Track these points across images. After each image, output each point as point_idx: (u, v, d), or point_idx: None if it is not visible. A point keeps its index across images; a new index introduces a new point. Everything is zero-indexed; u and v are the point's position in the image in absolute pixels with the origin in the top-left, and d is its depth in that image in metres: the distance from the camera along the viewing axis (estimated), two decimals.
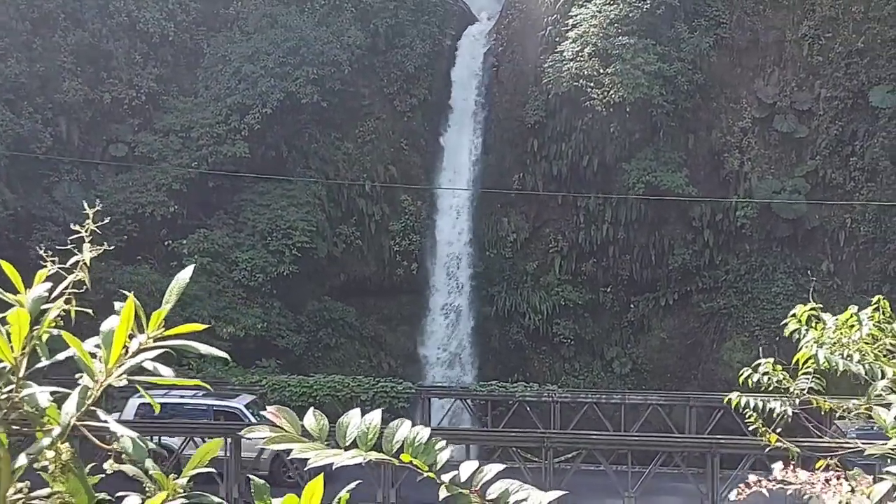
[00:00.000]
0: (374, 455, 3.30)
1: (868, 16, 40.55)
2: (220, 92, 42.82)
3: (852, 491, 2.80)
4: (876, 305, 5.97)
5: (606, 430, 28.55)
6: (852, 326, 5.88)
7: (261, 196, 42.75)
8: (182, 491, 4.39)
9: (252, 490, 3.42)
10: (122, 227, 40.76)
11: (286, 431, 3.21)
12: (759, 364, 7.14)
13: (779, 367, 7.05)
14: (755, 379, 7.24)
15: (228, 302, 40.49)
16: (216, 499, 4.37)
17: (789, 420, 6.72)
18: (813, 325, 6.27)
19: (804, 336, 6.17)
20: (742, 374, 7.31)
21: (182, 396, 28.18)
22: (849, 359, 5.54)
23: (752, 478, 2.87)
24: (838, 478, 2.88)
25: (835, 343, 5.86)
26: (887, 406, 5.13)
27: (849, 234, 39.84)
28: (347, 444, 3.23)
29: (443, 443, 3.43)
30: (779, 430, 6.46)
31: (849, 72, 40.46)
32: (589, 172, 42.70)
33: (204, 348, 3.67)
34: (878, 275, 38.79)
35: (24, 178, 40.42)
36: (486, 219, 44.68)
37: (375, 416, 3.43)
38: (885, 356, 5.38)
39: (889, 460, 4.55)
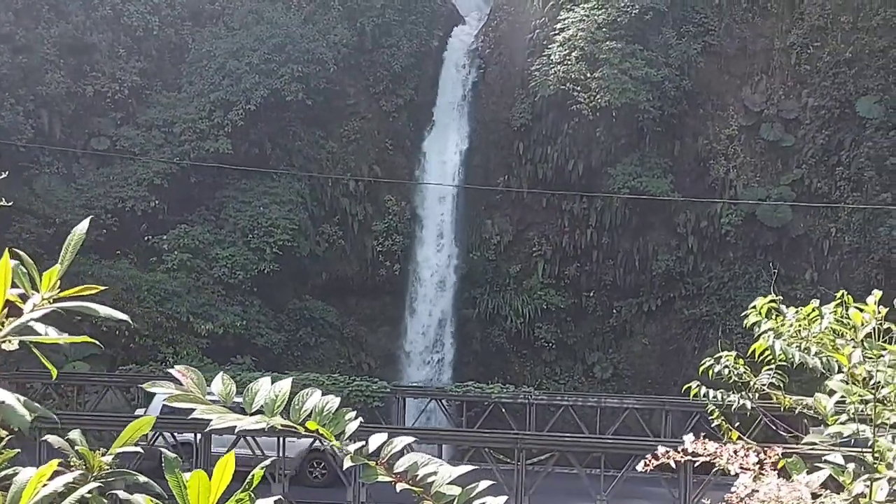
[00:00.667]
0: (278, 421, 3.12)
1: (857, 26, 40.47)
2: (204, 87, 42.51)
3: (760, 464, 2.55)
4: (839, 301, 5.72)
5: (582, 434, 28.32)
6: (813, 320, 5.61)
7: (243, 193, 42.44)
8: (108, 468, 4.15)
9: (164, 464, 3.20)
10: (102, 222, 40.37)
11: (190, 392, 3.04)
12: (720, 356, 6.92)
13: (741, 360, 6.82)
14: (716, 370, 7.02)
15: (207, 299, 40.14)
16: (142, 477, 4.12)
17: (762, 424, 6.51)
18: (773, 317, 6.03)
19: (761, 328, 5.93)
20: (703, 366, 7.09)
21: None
22: (806, 351, 5.27)
23: (661, 449, 2.63)
24: (747, 450, 2.64)
25: (793, 336, 5.60)
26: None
27: (833, 243, 39.70)
28: (254, 410, 3.07)
29: (352, 413, 3.24)
30: (754, 435, 6.22)
31: (836, 81, 40.35)
32: (574, 176, 42.49)
33: (103, 310, 3.45)
34: (862, 284, 38.58)
35: (4, 169, 39.67)
36: (470, 221, 44.45)
37: (285, 383, 3.26)
38: (838, 348, 5.11)
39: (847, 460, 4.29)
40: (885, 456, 3.82)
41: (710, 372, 7.09)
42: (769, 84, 41.87)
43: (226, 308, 40.21)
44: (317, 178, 43.69)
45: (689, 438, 2.63)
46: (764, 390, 5.99)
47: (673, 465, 3.12)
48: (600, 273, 43.04)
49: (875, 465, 3.81)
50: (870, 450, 4.05)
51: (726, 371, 6.92)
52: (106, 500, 3.57)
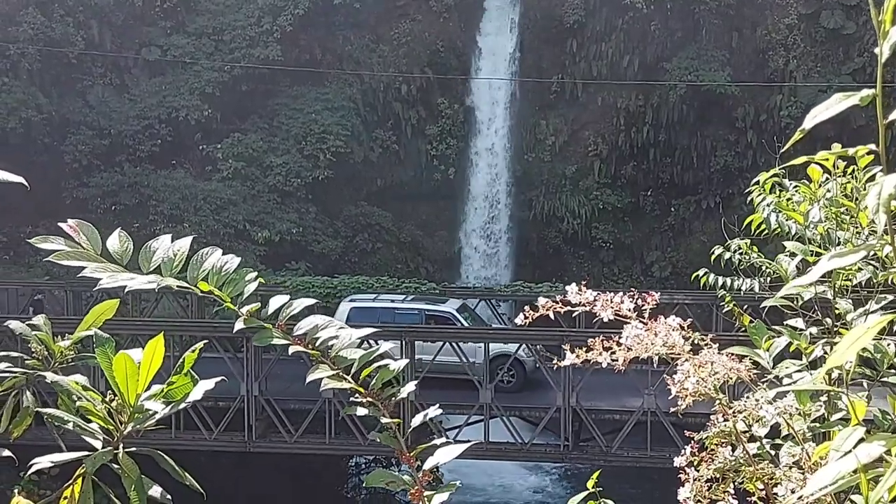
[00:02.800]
0: (172, 282, 2.88)
1: None
2: None
3: (638, 311, 2.30)
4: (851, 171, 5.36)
5: None
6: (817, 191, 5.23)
7: (295, 100, 42.28)
8: (70, 353, 4.00)
9: (95, 343, 3.04)
10: (156, 132, 40.66)
11: (83, 248, 2.81)
12: (730, 244, 6.61)
13: (755, 248, 6.50)
14: (726, 257, 6.71)
15: (263, 207, 40.34)
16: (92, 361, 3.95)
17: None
18: (776, 192, 5.72)
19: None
20: (713, 253, 6.79)
21: (392, 301, 27.82)
22: (805, 226, 4.91)
23: (541, 300, 2.38)
24: (627, 297, 2.39)
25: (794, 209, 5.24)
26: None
27: None
28: (151, 269, 2.83)
29: (253, 274, 3.02)
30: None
31: None
32: (630, 73, 41.65)
33: None
34: None
35: (57, 82, 40.25)
36: (524, 122, 43.86)
37: (185, 241, 3.01)
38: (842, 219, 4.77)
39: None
40: (845, 317, 3.55)
41: (722, 261, 6.81)
42: None
43: (281, 215, 40.39)
44: (368, 83, 43.31)
45: (571, 288, 2.39)
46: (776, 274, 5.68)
47: None
48: (657, 171, 42.36)
49: (836, 329, 3.55)
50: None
51: (737, 258, 6.63)
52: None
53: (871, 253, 4.17)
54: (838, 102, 1.87)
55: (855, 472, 1.53)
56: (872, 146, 1.92)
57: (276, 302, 2.93)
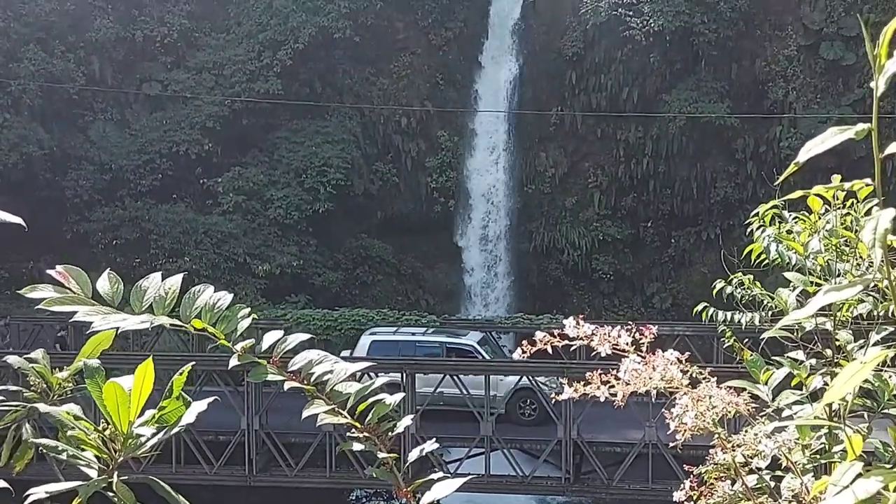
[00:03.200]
0: (164, 320, 2.88)
1: None
2: (252, 28, 42.40)
3: (635, 345, 2.30)
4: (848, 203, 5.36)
5: None
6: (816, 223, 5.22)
7: (295, 133, 42.43)
8: (69, 385, 3.99)
9: (84, 372, 3.03)
10: (157, 166, 40.74)
11: (73, 293, 2.81)
12: (731, 278, 6.59)
13: (757, 283, 6.48)
14: (728, 292, 6.70)
15: (264, 240, 40.38)
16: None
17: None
18: (776, 224, 5.71)
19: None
20: (715, 287, 6.77)
21: (413, 334, 27.72)
22: (805, 256, 4.91)
23: (538, 334, 2.38)
24: (624, 331, 2.38)
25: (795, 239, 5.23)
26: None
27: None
28: (143, 308, 2.84)
29: (246, 310, 3.02)
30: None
31: None
32: (629, 105, 41.77)
33: None
34: None
35: (59, 117, 40.39)
36: (524, 154, 43.99)
37: (175, 279, 3.01)
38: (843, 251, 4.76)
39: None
40: (846, 349, 3.54)
41: (724, 294, 6.78)
42: (828, 1, 40.50)
43: (282, 248, 40.42)
44: (368, 116, 43.48)
45: (569, 322, 2.38)
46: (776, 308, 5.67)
47: None
48: (657, 203, 42.42)
49: (836, 360, 3.54)
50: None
51: (738, 292, 6.62)
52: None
53: (872, 285, 4.17)
54: (833, 136, 1.88)
55: None
56: (869, 180, 1.93)
57: (270, 338, 2.93)
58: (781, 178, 2.09)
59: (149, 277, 2.92)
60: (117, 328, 2.97)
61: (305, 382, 2.88)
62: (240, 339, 2.90)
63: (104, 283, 2.89)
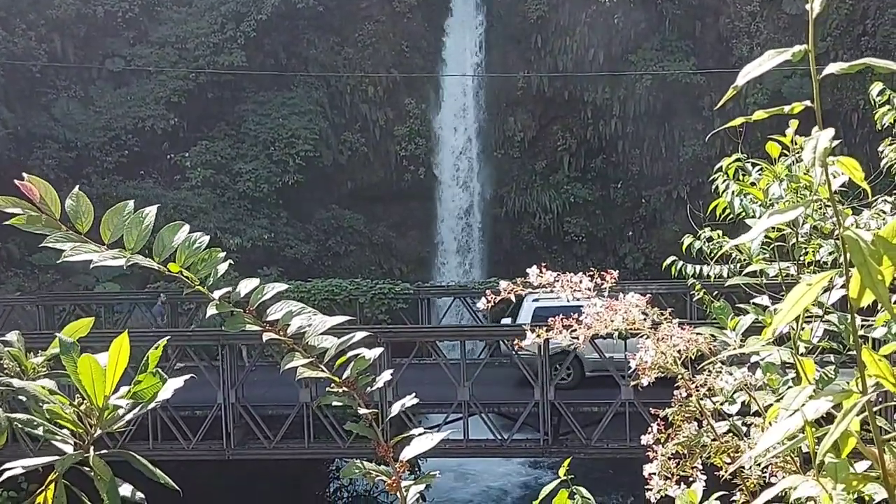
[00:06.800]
0: (138, 259, 2.68)
1: None
2: (215, 0, 41.94)
3: (597, 289, 2.34)
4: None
5: None
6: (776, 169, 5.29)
7: (261, 106, 42.15)
8: (43, 370, 3.97)
9: (60, 349, 3.01)
10: (123, 143, 40.43)
11: (42, 212, 2.52)
12: (700, 233, 6.65)
13: (725, 236, 6.53)
14: (696, 247, 6.75)
15: (234, 214, 40.20)
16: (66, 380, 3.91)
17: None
18: (740, 177, 5.78)
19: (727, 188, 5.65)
20: (684, 243, 6.82)
21: (577, 299, 27.03)
22: (767, 204, 4.96)
23: (503, 283, 2.41)
24: (585, 276, 2.42)
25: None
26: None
27: (862, 116, 38.79)
28: (112, 239, 2.61)
29: (222, 254, 2.92)
30: None
31: None
32: (595, 66, 41.76)
33: None
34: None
35: (22, 96, 39.95)
36: (493, 119, 43.91)
37: (150, 210, 2.81)
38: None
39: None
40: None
41: (693, 250, 6.85)
42: None
43: (252, 222, 40.26)
44: (335, 85, 43.24)
45: (532, 270, 2.41)
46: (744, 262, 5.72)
47: None
48: (627, 163, 42.53)
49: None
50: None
51: (707, 247, 6.68)
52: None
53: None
54: (770, 59, 1.90)
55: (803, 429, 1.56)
56: (808, 102, 1.95)
57: (246, 286, 2.85)
58: (721, 102, 2.11)
59: (121, 204, 2.68)
60: (93, 311, 2.94)
61: (283, 334, 2.83)
62: (217, 286, 2.82)
63: (73, 203, 2.61)
